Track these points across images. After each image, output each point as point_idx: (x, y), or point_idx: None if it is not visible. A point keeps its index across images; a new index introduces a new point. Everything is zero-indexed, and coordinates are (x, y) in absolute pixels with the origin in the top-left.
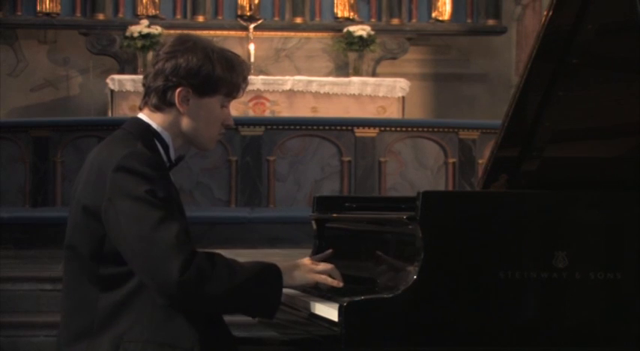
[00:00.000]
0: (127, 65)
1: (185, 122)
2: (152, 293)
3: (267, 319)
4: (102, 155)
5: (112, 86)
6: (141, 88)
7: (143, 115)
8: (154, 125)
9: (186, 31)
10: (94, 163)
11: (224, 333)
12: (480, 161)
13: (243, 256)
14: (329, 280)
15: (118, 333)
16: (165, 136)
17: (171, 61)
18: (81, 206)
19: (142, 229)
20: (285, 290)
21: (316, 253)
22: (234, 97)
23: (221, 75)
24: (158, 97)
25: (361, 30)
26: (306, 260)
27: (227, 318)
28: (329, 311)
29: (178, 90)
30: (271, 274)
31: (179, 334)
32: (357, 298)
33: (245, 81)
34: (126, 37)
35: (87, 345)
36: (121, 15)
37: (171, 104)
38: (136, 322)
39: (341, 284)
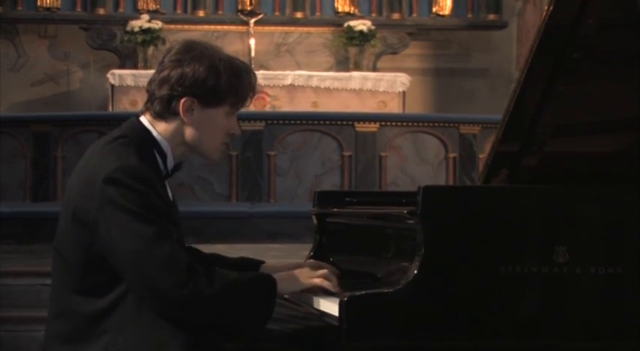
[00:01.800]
0: (127, 60)
1: (189, 132)
2: (151, 308)
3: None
4: (93, 160)
5: (112, 81)
6: (141, 83)
7: (145, 120)
8: (155, 133)
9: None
10: (87, 166)
11: (211, 343)
12: (481, 156)
13: (243, 251)
14: (325, 284)
15: (104, 341)
16: (165, 145)
17: (177, 69)
18: (70, 211)
19: (135, 245)
20: None
21: (317, 249)
22: (241, 106)
23: (227, 86)
24: (162, 105)
25: (362, 25)
26: (306, 268)
27: None
28: (330, 306)
29: (183, 100)
30: (266, 289)
31: (165, 343)
32: (357, 293)
33: (252, 90)
34: (126, 32)
35: (74, 347)
36: (121, 10)
37: (175, 114)
38: (120, 331)
39: (336, 289)
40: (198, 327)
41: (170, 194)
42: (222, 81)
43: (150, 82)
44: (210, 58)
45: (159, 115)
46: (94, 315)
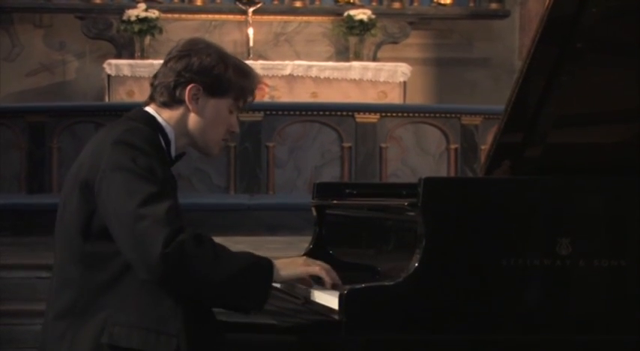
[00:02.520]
0: (123, 50)
1: (192, 120)
2: (137, 270)
3: (255, 311)
4: (100, 135)
5: (108, 71)
6: (138, 73)
7: (149, 108)
8: (159, 119)
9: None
10: (93, 143)
11: (211, 322)
12: (483, 147)
13: (242, 243)
14: (322, 273)
15: (103, 315)
16: (169, 130)
17: (184, 59)
18: (79, 181)
19: (132, 202)
20: None
21: (316, 241)
22: (242, 104)
23: (233, 78)
24: (168, 93)
25: (362, 14)
26: (304, 257)
27: None
28: (329, 299)
29: (189, 87)
30: (261, 266)
31: (165, 320)
32: (357, 286)
33: (254, 90)
34: (123, 21)
35: (69, 323)
36: None
37: (180, 101)
38: (122, 305)
39: (332, 282)
40: (192, 295)
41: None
42: (229, 72)
43: (154, 76)
44: (216, 51)
45: (164, 104)
46: (95, 287)
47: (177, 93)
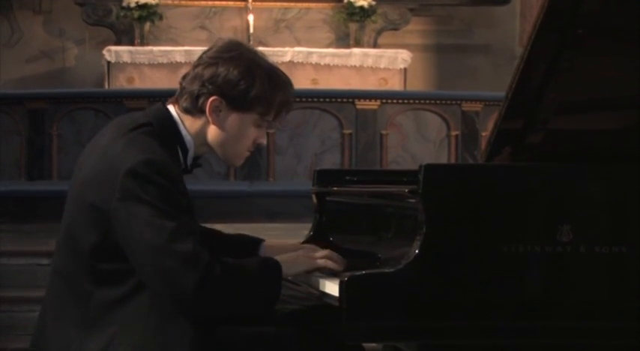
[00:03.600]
0: (123, 36)
1: (212, 133)
2: (166, 302)
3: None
4: (115, 149)
5: (108, 58)
6: (138, 60)
7: (173, 110)
8: (181, 126)
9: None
10: (106, 154)
11: (217, 341)
12: (483, 134)
13: (242, 230)
14: (329, 264)
15: (111, 331)
16: (188, 140)
17: (212, 68)
18: (88, 203)
19: (157, 239)
20: None
21: (317, 228)
22: (274, 118)
23: (259, 93)
24: (191, 101)
25: (362, 0)
26: (307, 249)
27: None
28: (330, 286)
29: (211, 99)
30: (270, 270)
31: (170, 344)
32: (358, 273)
33: (286, 104)
34: (122, 8)
35: (76, 335)
36: None
37: (202, 111)
38: (129, 324)
39: (341, 268)
40: (210, 320)
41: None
42: (255, 87)
43: (184, 76)
44: (248, 62)
45: (186, 111)
46: (106, 303)
47: (200, 103)
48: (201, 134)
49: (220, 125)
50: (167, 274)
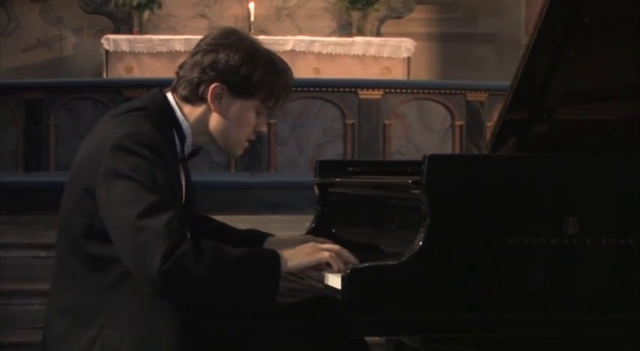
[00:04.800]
0: (122, 25)
1: (214, 121)
2: (137, 282)
3: (264, 308)
4: (105, 129)
5: (106, 46)
6: (137, 49)
7: (171, 97)
8: (178, 113)
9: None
10: (98, 135)
11: (209, 335)
12: (488, 124)
13: (243, 222)
14: (332, 261)
15: (102, 319)
16: (186, 126)
17: (211, 54)
18: (81, 187)
19: (132, 213)
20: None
21: (319, 220)
22: (273, 105)
23: (261, 78)
24: (190, 89)
25: None
26: (312, 243)
27: None
28: (332, 278)
29: (213, 86)
30: (267, 263)
31: (158, 335)
32: (360, 266)
33: (287, 90)
34: None
35: (71, 324)
36: None
37: (202, 99)
38: (118, 312)
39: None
40: (196, 305)
41: (184, 178)
42: (257, 73)
43: (181, 66)
44: (248, 48)
45: (185, 98)
46: (98, 290)
47: (201, 90)
48: (201, 122)
49: (222, 112)
50: (137, 248)
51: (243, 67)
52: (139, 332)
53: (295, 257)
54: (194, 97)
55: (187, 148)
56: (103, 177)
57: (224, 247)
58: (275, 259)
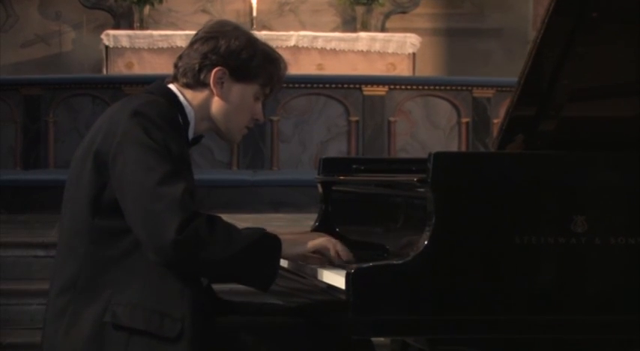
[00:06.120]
0: (122, 20)
1: (216, 105)
2: (145, 250)
3: (261, 291)
4: (117, 105)
5: (106, 42)
6: (137, 45)
7: (172, 85)
8: (181, 98)
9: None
10: (108, 114)
11: (213, 305)
12: (495, 121)
13: (245, 221)
14: (330, 246)
15: (108, 294)
16: (189, 111)
17: (211, 41)
18: (93, 151)
19: (148, 180)
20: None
21: (322, 219)
22: (269, 92)
23: (260, 63)
24: (192, 75)
25: None
26: (313, 233)
27: (229, 285)
28: (336, 278)
29: (215, 70)
30: (270, 244)
31: (171, 303)
32: (365, 265)
33: (281, 79)
34: None
35: (70, 299)
36: None
37: (205, 84)
38: (126, 284)
39: (345, 259)
40: (198, 275)
41: None
42: (257, 57)
43: (179, 57)
44: (245, 34)
45: (187, 86)
46: (101, 263)
47: (202, 76)
48: (203, 108)
49: (224, 96)
50: (151, 217)
51: (243, 52)
52: (150, 302)
53: (294, 244)
54: (196, 82)
55: (191, 134)
56: (118, 144)
57: (233, 225)
58: (277, 240)
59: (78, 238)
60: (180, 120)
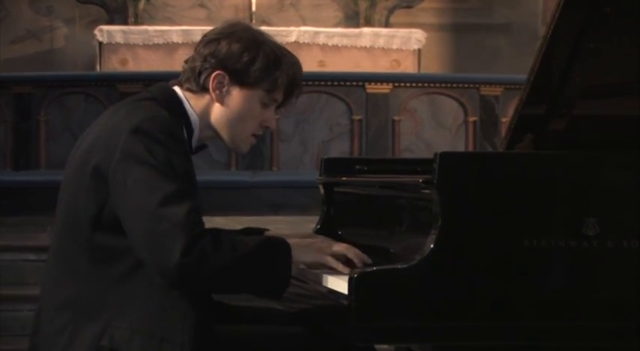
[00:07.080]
0: (116, 15)
1: (216, 112)
2: (150, 270)
3: (274, 300)
4: (118, 115)
5: (100, 38)
6: (132, 41)
7: (178, 90)
8: (186, 104)
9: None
10: (108, 122)
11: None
12: (503, 120)
13: (245, 224)
14: (340, 268)
15: (107, 315)
16: (194, 119)
17: (213, 43)
18: (91, 165)
19: (151, 201)
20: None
21: (324, 221)
22: (284, 98)
23: (263, 67)
24: (193, 79)
25: None
26: (322, 238)
27: None
28: (339, 283)
29: (214, 74)
30: (279, 254)
31: (171, 327)
32: (368, 269)
33: (294, 84)
34: None
35: (70, 318)
36: None
37: (205, 89)
38: (127, 306)
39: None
40: (203, 310)
41: None
42: (259, 60)
43: (186, 60)
44: (252, 37)
45: (190, 91)
46: (102, 284)
47: (202, 79)
48: (205, 114)
49: (224, 102)
50: (155, 238)
51: (244, 55)
52: (150, 327)
53: (303, 250)
54: (197, 87)
55: (194, 142)
56: (118, 161)
57: (240, 237)
58: (286, 249)
59: (78, 255)
60: (184, 130)
